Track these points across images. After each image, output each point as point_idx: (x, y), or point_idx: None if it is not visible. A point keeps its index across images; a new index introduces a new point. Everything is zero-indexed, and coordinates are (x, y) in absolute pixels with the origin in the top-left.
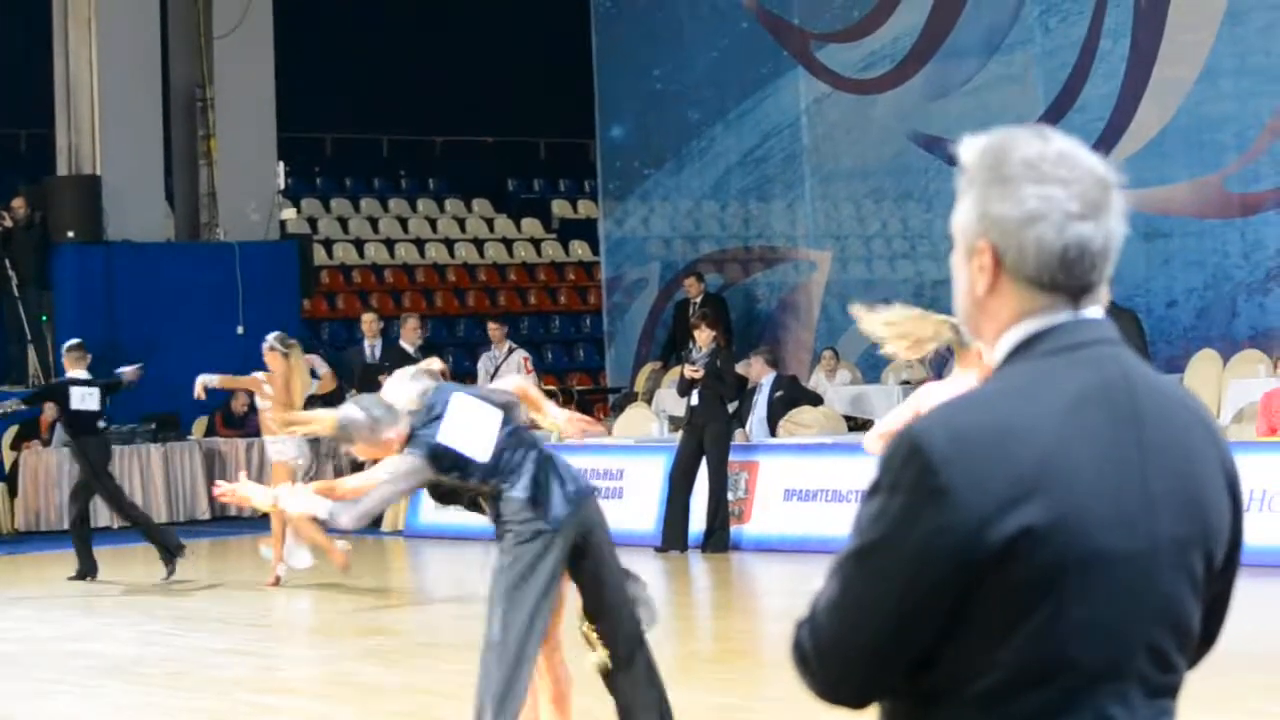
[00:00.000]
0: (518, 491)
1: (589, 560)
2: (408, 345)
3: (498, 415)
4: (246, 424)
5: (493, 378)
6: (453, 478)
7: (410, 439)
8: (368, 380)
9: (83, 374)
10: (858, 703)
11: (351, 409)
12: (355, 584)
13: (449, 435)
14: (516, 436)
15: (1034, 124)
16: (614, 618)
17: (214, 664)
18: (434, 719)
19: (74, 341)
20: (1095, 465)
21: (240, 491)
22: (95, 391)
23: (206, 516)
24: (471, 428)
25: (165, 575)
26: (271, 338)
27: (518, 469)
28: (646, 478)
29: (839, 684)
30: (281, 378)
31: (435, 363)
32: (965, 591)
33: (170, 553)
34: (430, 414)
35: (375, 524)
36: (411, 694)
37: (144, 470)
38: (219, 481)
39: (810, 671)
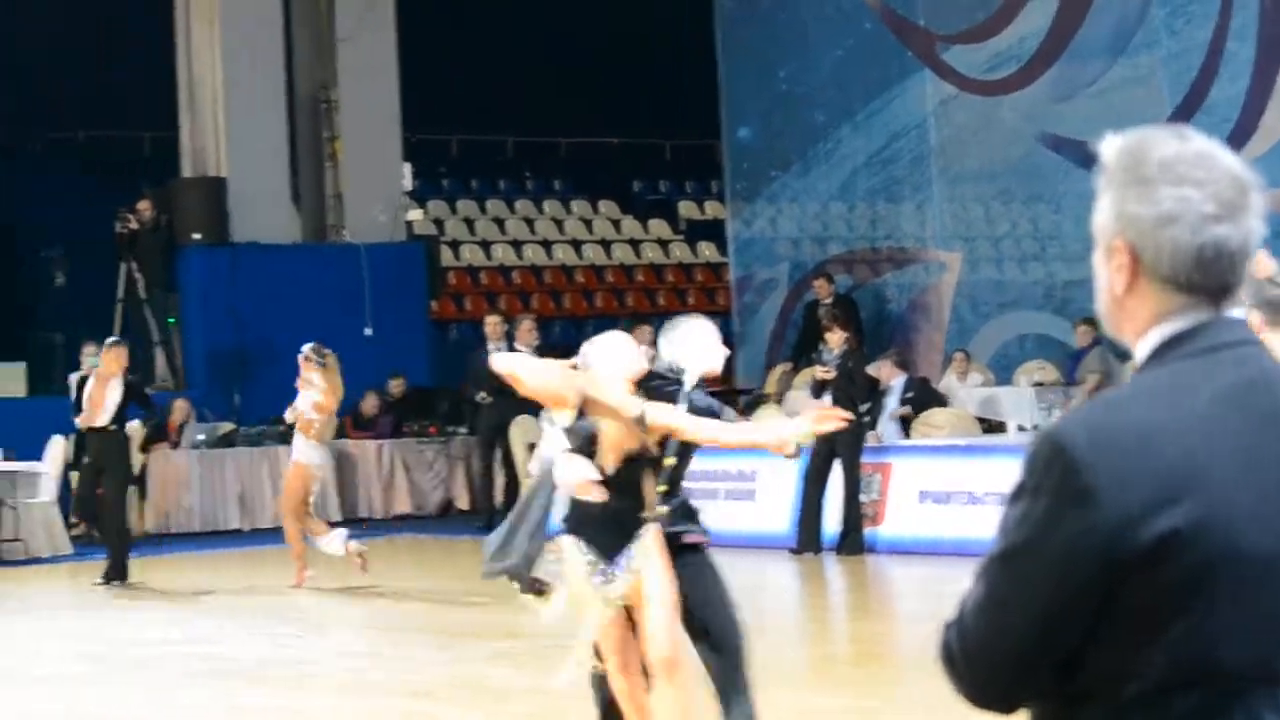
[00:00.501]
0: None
1: None
2: (523, 347)
3: None
4: (376, 426)
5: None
6: None
7: None
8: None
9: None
10: (1006, 706)
11: None
12: (483, 587)
13: None
14: None
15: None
16: None
17: (345, 667)
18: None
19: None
20: (1239, 465)
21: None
22: None
23: (338, 518)
24: None
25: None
26: (308, 349)
27: None
28: (780, 480)
29: (986, 686)
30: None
31: None
32: (1111, 593)
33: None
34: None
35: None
36: (541, 696)
37: (273, 472)
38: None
39: (958, 674)
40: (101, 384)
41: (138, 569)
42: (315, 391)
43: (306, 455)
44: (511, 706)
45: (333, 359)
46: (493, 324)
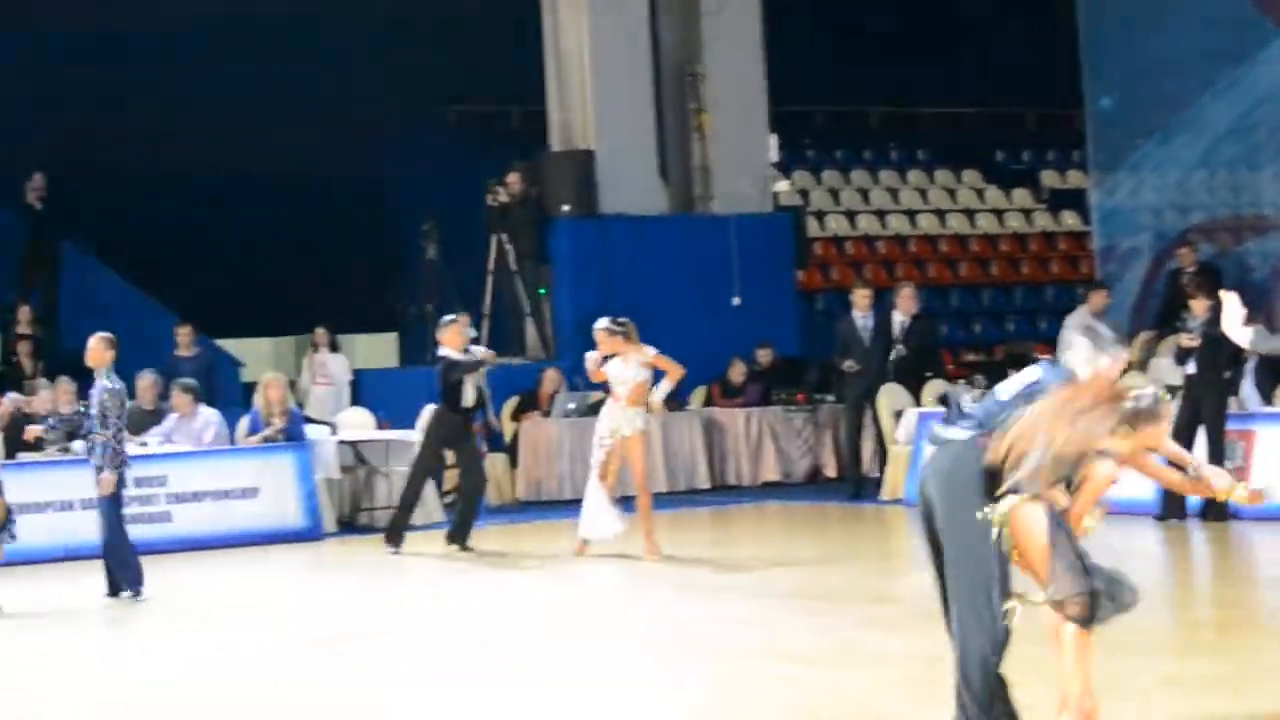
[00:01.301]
0: None
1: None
2: (902, 315)
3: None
4: (744, 394)
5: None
6: None
7: None
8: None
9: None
10: None
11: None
12: (858, 550)
13: None
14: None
15: None
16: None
17: (715, 633)
18: (940, 685)
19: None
20: None
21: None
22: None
23: (706, 486)
24: None
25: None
26: (608, 323)
27: None
28: None
29: None
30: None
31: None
32: None
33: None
34: None
35: (875, 492)
36: (919, 661)
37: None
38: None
39: None
40: None
41: (506, 536)
42: (637, 359)
43: (644, 424)
44: (888, 672)
45: (632, 326)
46: (861, 295)
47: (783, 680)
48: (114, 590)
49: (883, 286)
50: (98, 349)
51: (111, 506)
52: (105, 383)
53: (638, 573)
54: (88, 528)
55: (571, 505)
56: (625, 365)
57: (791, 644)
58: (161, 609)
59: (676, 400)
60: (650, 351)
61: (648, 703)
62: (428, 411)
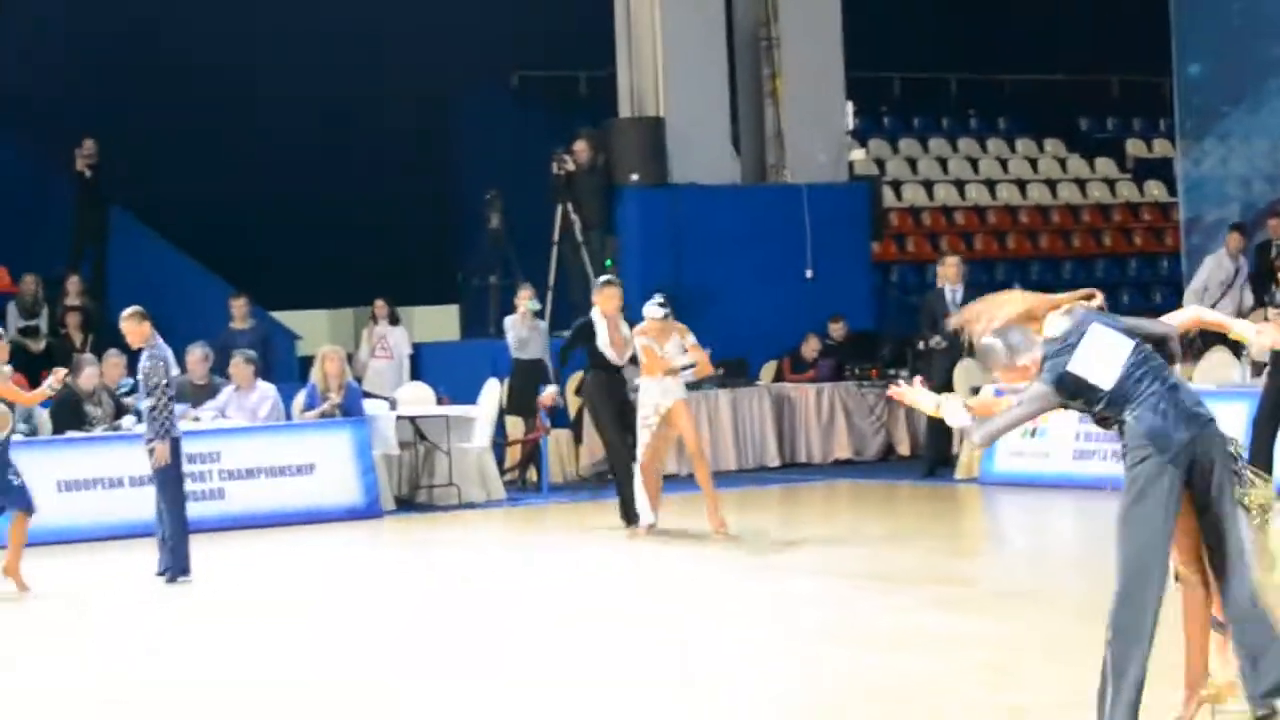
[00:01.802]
0: (1135, 420)
1: (1198, 494)
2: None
3: (1129, 344)
4: (816, 369)
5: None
6: (1078, 405)
7: (1042, 365)
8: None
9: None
10: None
11: (992, 338)
12: (929, 531)
13: (1079, 364)
14: (1146, 365)
15: None
16: (1219, 563)
17: (781, 613)
18: (1012, 669)
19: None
20: None
21: (909, 395)
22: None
23: (776, 463)
24: (1102, 357)
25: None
26: (662, 303)
27: (1139, 398)
28: (1229, 423)
29: None
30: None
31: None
32: None
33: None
34: (1065, 342)
35: (948, 470)
36: (989, 644)
37: (712, 416)
38: (897, 383)
39: None
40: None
41: (575, 512)
42: (678, 340)
43: (683, 391)
44: (967, 653)
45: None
46: (950, 265)
47: (854, 662)
48: (168, 571)
49: (963, 259)
50: (132, 328)
51: (169, 481)
52: (147, 350)
53: (704, 551)
54: (137, 506)
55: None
56: (666, 344)
57: (864, 625)
58: (210, 591)
59: (746, 377)
60: (691, 338)
61: (712, 681)
62: (491, 386)
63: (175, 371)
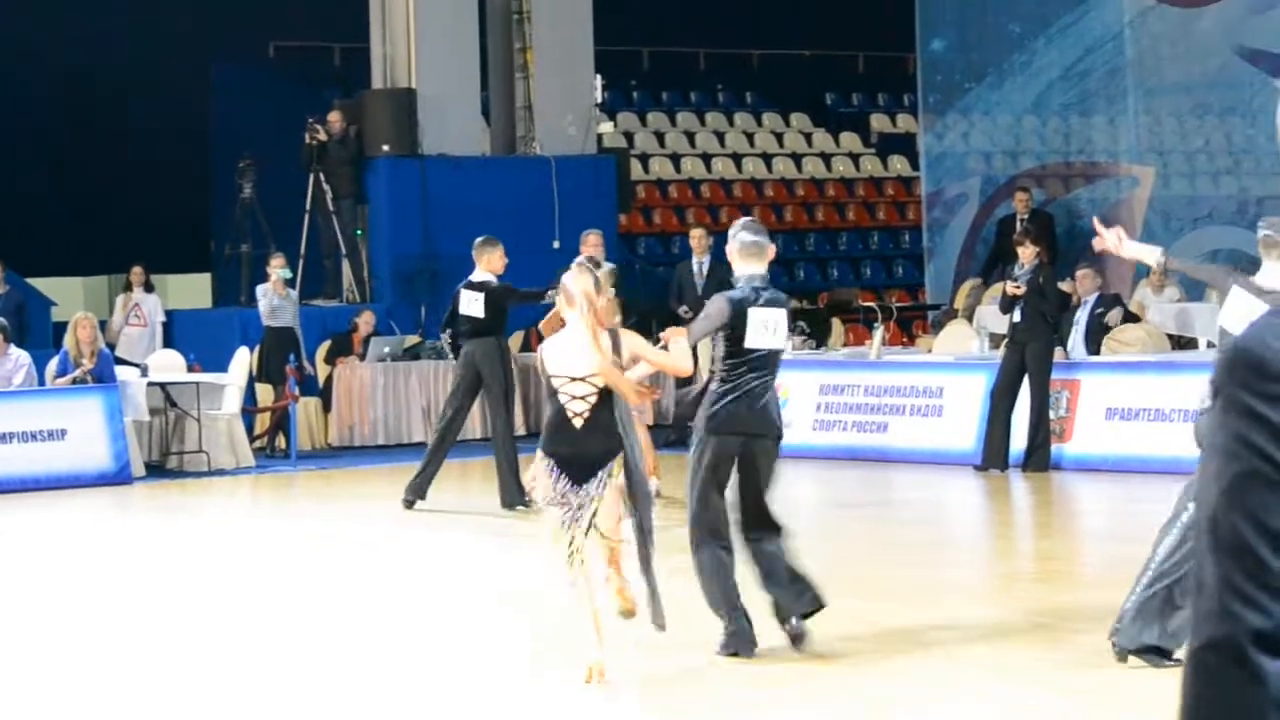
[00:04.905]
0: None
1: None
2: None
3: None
4: None
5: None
6: (722, 339)
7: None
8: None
9: (480, 277)
10: None
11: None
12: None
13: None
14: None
15: None
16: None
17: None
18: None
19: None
20: None
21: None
22: (480, 297)
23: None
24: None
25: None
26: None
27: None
28: (966, 396)
29: None
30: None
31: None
32: None
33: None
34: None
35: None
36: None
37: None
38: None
39: None
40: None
41: (322, 480)
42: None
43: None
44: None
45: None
46: (698, 237)
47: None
48: None
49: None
50: None
51: None
52: None
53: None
54: None
55: (384, 451)
56: None
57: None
58: None
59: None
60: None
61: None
62: (242, 354)
63: None
